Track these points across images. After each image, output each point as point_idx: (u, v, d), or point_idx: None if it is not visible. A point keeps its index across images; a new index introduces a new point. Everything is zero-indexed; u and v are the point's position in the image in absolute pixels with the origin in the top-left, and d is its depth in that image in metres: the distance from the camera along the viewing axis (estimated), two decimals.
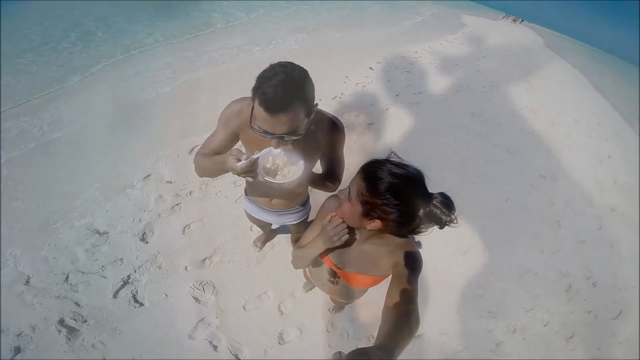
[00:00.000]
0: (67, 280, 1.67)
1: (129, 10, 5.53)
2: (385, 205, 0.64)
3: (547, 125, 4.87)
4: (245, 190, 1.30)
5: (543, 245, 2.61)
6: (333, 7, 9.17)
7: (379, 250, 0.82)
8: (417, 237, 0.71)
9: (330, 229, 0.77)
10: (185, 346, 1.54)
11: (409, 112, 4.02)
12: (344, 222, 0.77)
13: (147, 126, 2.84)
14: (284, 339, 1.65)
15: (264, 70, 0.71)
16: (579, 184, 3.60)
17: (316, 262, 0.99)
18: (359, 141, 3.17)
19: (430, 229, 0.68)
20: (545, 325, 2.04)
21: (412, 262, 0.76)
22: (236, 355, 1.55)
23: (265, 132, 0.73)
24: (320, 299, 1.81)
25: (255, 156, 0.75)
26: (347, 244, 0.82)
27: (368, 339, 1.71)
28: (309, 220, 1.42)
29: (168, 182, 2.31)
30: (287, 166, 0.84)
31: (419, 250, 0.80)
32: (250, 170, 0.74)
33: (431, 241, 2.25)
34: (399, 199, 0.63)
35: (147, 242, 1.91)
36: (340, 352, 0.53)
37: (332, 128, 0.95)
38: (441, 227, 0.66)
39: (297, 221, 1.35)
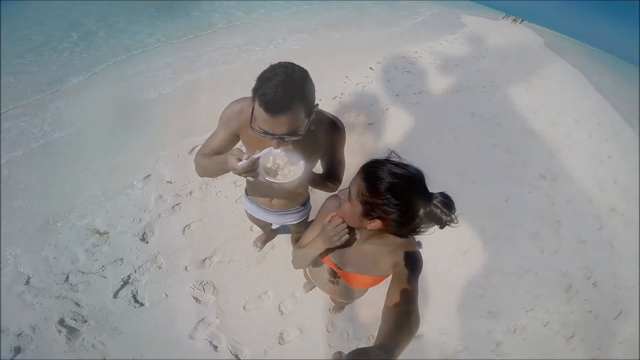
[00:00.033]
0: (67, 280, 1.67)
1: (129, 11, 5.54)
2: (385, 205, 0.64)
3: (547, 125, 4.87)
4: (246, 190, 1.30)
5: (543, 245, 2.61)
6: (333, 7, 9.17)
7: (379, 250, 0.82)
8: (417, 237, 0.71)
9: (330, 229, 0.77)
10: (185, 346, 1.54)
11: (409, 112, 4.02)
12: (344, 222, 0.77)
13: (148, 126, 2.84)
14: (284, 339, 1.65)
15: (264, 70, 0.70)
16: (579, 184, 3.60)
17: (316, 262, 0.99)
18: (359, 141, 3.17)
19: (430, 229, 0.68)
20: (545, 325, 2.04)
21: (412, 262, 0.76)
22: (236, 356, 1.55)
23: (266, 133, 0.73)
24: (320, 299, 1.81)
25: (256, 156, 0.75)
26: (348, 244, 0.82)
27: (368, 339, 1.71)
28: (309, 220, 1.42)
29: (168, 182, 2.31)
30: (287, 166, 0.84)
31: (419, 250, 0.80)
32: (251, 169, 0.74)
33: (431, 241, 2.25)
34: (399, 198, 0.63)
35: (147, 242, 1.91)
36: (340, 352, 0.53)
37: (333, 128, 0.95)
38: (441, 227, 0.66)
39: (298, 221, 1.35)
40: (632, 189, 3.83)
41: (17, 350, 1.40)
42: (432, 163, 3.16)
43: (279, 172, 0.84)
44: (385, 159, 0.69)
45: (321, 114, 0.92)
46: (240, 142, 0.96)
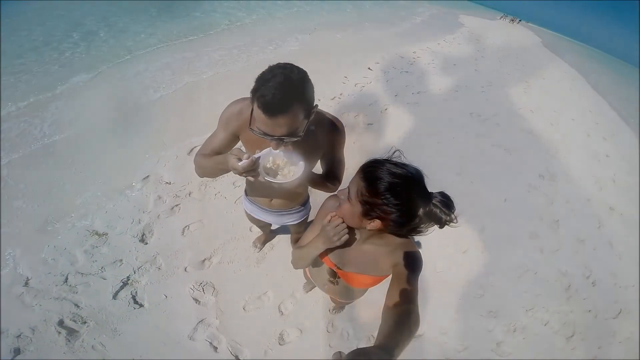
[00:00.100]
0: (66, 281, 1.66)
1: (130, 11, 5.54)
2: (385, 205, 0.64)
3: (546, 124, 4.88)
4: (246, 191, 1.30)
5: (542, 245, 2.62)
6: (333, 8, 9.19)
7: (379, 250, 0.82)
8: (417, 237, 0.71)
9: (330, 229, 0.77)
10: (185, 347, 1.53)
11: (407, 112, 4.03)
12: (343, 222, 0.77)
13: (147, 127, 2.84)
14: (284, 339, 1.65)
15: (263, 71, 0.70)
16: (578, 183, 3.61)
17: (316, 262, 0.99)
18: (359, 141, 3.18)
19: (430, 229, 0.68)
20: (545, 325, 2.04)
21: (412, 262, 0.76)
22: (236, 356, 1.54)
23: (265, 134, 0.73)
24: (320, 299, 1.81)
25: (256, 155, 0.75)
26: (347, 244, 0.82)
27: (368, 339, 1.71)
28: (308, 220, 1.42)
29: (167, 183, 2.30)
30: (287, 166, 0.84)
31: (419, 250, 0.80)
32: (252, 169, 0.74)
33: (431, 241, 2.25)
34: (398, 198, 0.63)
35: (146, 243, 1.91)
36: (340, 352, 0.53)
37: (332, 128, 0.95)
38: (441, 227, 0.66)
39: (297, 221, 1.35)
40: (631, 188, 3.85)
41: (17, 351, 1.39)
42: (431, 163, 3.16)
43: (279, 172, 0.84)
44: (384, 159, 0.69)
45: (321, 114, 0.92)
46: (240, 142, 0.96)
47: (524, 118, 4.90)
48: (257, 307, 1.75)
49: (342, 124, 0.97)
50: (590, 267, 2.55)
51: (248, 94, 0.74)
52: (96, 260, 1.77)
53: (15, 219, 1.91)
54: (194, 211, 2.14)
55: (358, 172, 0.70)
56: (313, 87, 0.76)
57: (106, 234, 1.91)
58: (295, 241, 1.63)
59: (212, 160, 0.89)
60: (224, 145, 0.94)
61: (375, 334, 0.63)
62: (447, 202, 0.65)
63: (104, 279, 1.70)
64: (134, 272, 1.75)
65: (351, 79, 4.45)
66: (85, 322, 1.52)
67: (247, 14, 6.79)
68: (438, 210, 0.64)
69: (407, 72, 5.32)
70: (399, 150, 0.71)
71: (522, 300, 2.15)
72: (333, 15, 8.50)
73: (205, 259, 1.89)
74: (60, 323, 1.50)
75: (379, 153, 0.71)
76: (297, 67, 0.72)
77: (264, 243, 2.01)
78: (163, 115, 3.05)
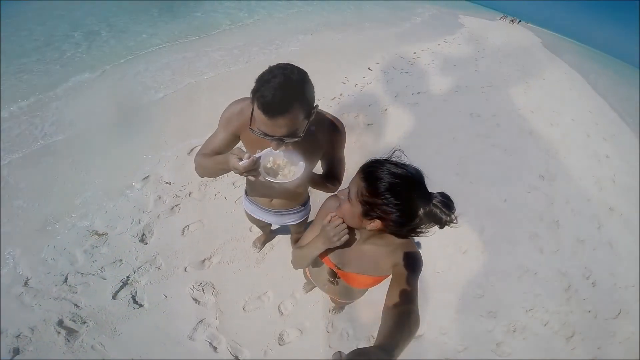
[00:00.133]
0: (66, 281, 1.66)
1: (131, 11, 5.54)
2: (385, 205, 0.64)
3: (545, 125, 4.89)
4: (246, 191, 1.30)
5: (542, 245, 2.62)
6: (333, 9, 9.20)
7: (379, 251, 0.82)
8: (417, 238, 0.71)
9: (330, 229, 0.77)
10: (185, 347, 1.53)
11: (407, 112, 4.03)
12: (344, 222, 0.77)
13: (147, 127, 2.84)
14: (284, 339, 1.65)
15: (263, 72, 0.70)
16: (578, 183, 3.61)
17: (316, 262, 0.99)
18: (358, 142, 3.18)
19: (430, 229, 0.68)
20: (545, 325, 2.04)
21: (412, 262, 0.76)
22: (236, 356, 1.54)
23: (265, 134, 0.73)
24: (320, 299, 1.81)
25: (257, 155, 0.75)
26: (347, 244, 0.82)
27: (368, 339, 1.71)
28: (309, 220, 1.42)
29: (167, 183, 2.30)
30: (287, 166, 0.84)
31: (419, 250, 0.80)
32: (252, 169, 0.74)
33: (431, 241, 2.25)
34: (398, 198, 0.63)
35: (146, 243, 1.91)
36: (340, 352, 0.53)
37: (333, 129, 0.95)
38: (441, 227, 0.66)
39: (297, 221, 1.35)
40: (631, 189, 3.85)
41: (16, 351, 1.39)
42: (431, 163, 3.17)
43: (280, 172, 0.84)
44: (384, 159, 0.69)
45: (321, 114, 0.92)
46: (240, 142, 0.96)
47: (524, 118, 4.90)
48: (257, 307, 1.74)
49: (342, 124, 0.97)
50: (590, 267, 2.55)
51: (248, 95, 0.74)
52: (96, 260, 1.77)
53: (15, 219, 1.91)
54: (194, 211, 2.14)
55: (358, 172, 0.70)
56: (313, 88, 0.75)
57: (106, 234, 1.91)
58: (295, 241, 1.63)
59: (213, 160, 0.89)
60: (224, 145, 0.94)
61: (375, 334, 0.63)
62: (447, 203, 0.65)
63: (104, 279, 1.70)
64: (134, 272, 1.75)
65: (351, 80, 4.46)
66: (84, 322, 1.52)
67: (248, 14, 6.79)
68: (438, 211, 0.64)
69: (407, 72, 5.33)
70: (399, 149, 0.71)
71: (522, 300, 2.15)
72: (333, 16, 8.51)
73: (205, 259, 1.89)
74: (60, 323, 1.50)
75: (379, 153, 0.71)
76: (297, 68, 0.72)
77: (264, 243, 2.01)
78: (163, 116, 3.05)
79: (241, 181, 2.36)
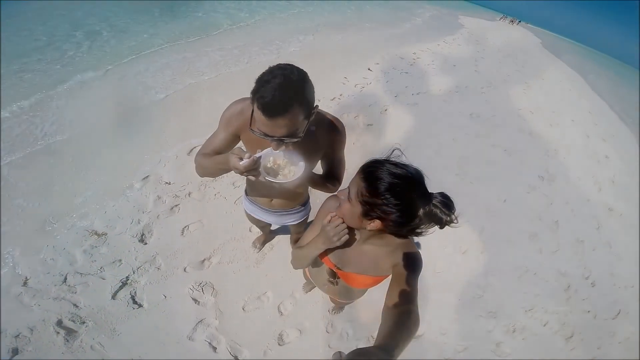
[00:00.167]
0: (65, 281, 1.66)
1: (132, 11, 5.54)
2: (385, 205, 0.64)
3: (545, 125, 4.89)
4: (246, 191, 1.30)
5: (542, 245, 2.62)
6: (333, 9, 9.21)
7: (379, 251, 0.82)
8: (417, 238, 0.71)
9: (330, 229, 0.77)
10: (184, 347, 1.53)
11: (407, 112, 4.04)
12: (343, 222, 0.77)
13: (147, 127, 2.84)
14: (284, 339, 1.65)
15: (263, 72, 0.70)
16: (577, 184, 3.62)
17: (316, 263, 0.99)
18: (358, 142, 3.18)
19: (430, 230, 0.68)
20: (544, 325, 2.04)
21: (412, 263, 0.76)
22: (236, 357, 1.54)
23: (265, 135, 0.73)
24: (320, 299, 1.81)
25: (257, 155, 0.75)
26: (347, 244, 0.82)
27: (368, 339, 1.71)
28: (309, 220, 1.42)
29: (167, 183, 2.30)
30: (287, 166, 0.84)
31: (419, 250, 0.80)
32: (253, 169, 0.74)
33: (431, 241, 2.25)
34: (398, 198, 0.63)
35: (145, 243, 1.91)
36: (340, 352, 0.53)
37: (333, 129, 0.95)
38: (441, 227, 0.66)
39: (297, 221, 1.35)
40: (630, 189, 3.86)
41: (15, 351, 1.39)
42: (431, 163, 3.17)
43: (280, 172, 0.84)
44: (384, 159, 0.69)
45: (321, 114, 0.92)
46: (241, 142, 0.96)
47: (524, 119, 4.91)
48: (256, 307, 1.74)
49: (342, 125, 0.97)
50: (589, 267, 2.55)
51: (249, 95, 0.74)
52: (95, 260, 1.77)
53: (14, 219, 1.91)
54: (194, 211, 2.14)
55: (358, 172, 0.70)
56: (313, 88, 0.75)
57: (105, 234, 1.90)
58: (295, 241, 1.63)
59: (213, 160, 0.89)
60: (224, 145, 0.94)
61: (375, 334, 0.63)
62: (447, 203, 0.65)
63: (103, 279, 1.70)
64: (133, 272, 1.75)
65: (351, 80, 4.46)
66: (84, 322, 1.52)
67: (248, 14, 6.79)
68: (438, 211, 0.64)
69: (407, 73, 5.33)
70: (398, 148, 0.71)
71: (521, 300, 2.15)
72: (334, 16, 8.51)
73: (204, 259, 1.89)
74: (59, 323, 1.50)
75: (379, 153, 0.71)
76: (297, 68, 0.72)
77: (263, 243, 2.01)
78: (163, 116, 3.05)
79: (241, 181, 2.36)
